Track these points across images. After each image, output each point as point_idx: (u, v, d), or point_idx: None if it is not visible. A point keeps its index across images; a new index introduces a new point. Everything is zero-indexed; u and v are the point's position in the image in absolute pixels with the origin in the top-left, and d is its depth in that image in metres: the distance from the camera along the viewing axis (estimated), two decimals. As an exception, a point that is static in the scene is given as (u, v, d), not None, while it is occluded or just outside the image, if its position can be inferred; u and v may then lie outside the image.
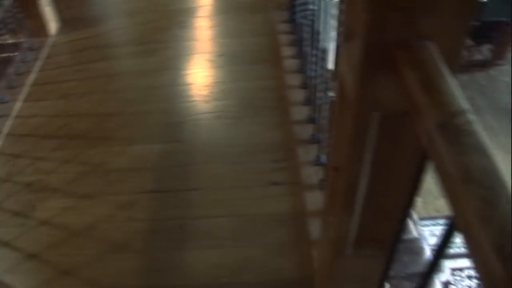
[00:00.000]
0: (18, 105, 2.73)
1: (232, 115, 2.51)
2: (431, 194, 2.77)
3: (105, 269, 1.92)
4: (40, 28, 3.19)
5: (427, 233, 3.33)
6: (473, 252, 0.61)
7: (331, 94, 1.85)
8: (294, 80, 2.63)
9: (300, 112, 2.44)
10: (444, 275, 2.66)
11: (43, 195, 2.25)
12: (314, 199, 2.06)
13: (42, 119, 2.64)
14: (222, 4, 3.59)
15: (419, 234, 2.06)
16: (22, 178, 2.34)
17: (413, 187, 0.99)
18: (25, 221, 2.15)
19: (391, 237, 1.22)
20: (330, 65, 1.98)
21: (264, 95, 2.61)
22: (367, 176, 1.12)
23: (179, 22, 3.39)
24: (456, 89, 0.75)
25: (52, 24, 3.28)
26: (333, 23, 1.97)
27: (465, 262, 2.61)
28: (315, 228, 1.94)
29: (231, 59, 2.94)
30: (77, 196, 2.21)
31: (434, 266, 0.94)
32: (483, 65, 4.28)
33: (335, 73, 1.93)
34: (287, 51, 2.86)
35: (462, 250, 2.23)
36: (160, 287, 1.85)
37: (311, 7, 2.17)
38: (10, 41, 2.95)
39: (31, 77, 2.91)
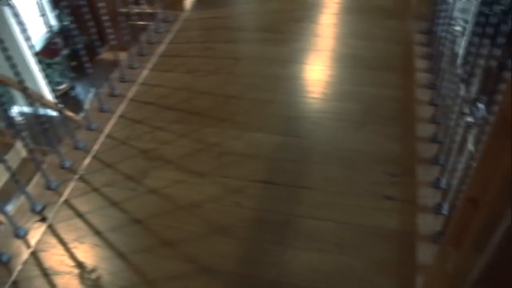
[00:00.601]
0: (145, 73, 2.81)
1: (353, 119, 2.45)
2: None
3: (205, 249, 1.93)
4: (176, 2, 3.27)
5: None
6: None
7: (469, 119, 1.74)
8: (423, 95, 2.52)
9: (425, 129, 2.34)
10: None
11: (157, 164, 2.29)
12: (427, 222, 1.96)
13: (166, 90, 2.70)
14: (356, 4, 3.50)
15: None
16: (139, 144, 2.40)
17: None
18: (136, 186, 2.20)
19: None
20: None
21: (388, 104, 2.53)
22: (513, 216, 1.03)
23: (308, 15, 3.35)
24: None
25: (188, 0, 3.34)
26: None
27: None
28: (423, 253, 1.85)
29: (357, 62, 2.87)
30: (188, 172, 2.23)
31: None
32: None
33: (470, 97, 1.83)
34: (420, 63, 2.75)
35: None
36: (255, 279, 1.83)
37: (460, 22, 2.07)
38: (148, 10, 3.03)
39: (161, 48, 2.99)
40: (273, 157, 2.28)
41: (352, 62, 2.88)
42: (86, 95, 8.38)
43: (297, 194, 2.10)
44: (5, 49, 1.95)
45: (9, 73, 3.61)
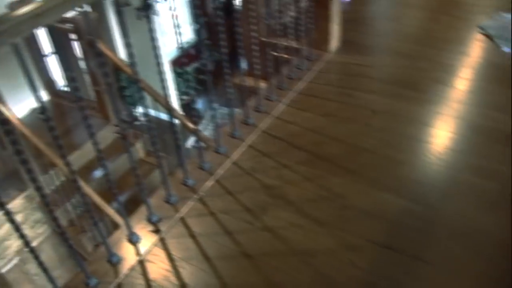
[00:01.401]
0: (281, 107, 2.81)
1: (485, 197, 2.28)
2: None
3: (310, 301, 1.88)
4: (322, 42, 3.26)
5: None
6: None
7: None
8: None
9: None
10: None
11: (277, 203, 2.27)
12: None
13: (298, 128, 2.68)
14: (499, 73, 3.31)
15: None
16: (263, 178, 2.39)
17: None
18: (253, 220, 2.19)
19: None
20: None
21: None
22: None
23: (447, 78, 3.22)
24: None
25: (334, 42, 3.33)
26: None
27: None
28: None
29: (496, 136, 2.67)
30: (308, 217, 2.18)
31: None
32: None
33: None
34: None
35: None
36: None
37: None
38: (293, 44, 3.04)
39: (300, 85, 2.98)
40: (396, 222, 2.17)
41: (490, 135, 2.71)
42: (207, 109, 8.65)
43: (415, 266, 1.99)
44: (159, 65, 2.02)
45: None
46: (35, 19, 1.50)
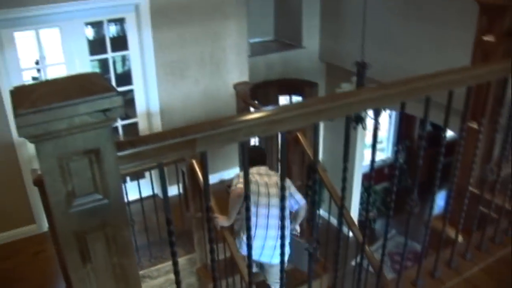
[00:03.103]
0: (474, 270, 2.48)
1: None
2: None
3: None
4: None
5: None
6: None
7: None
8: None
9: None
10: None
11: None
12: None
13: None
14: None
15: None
16: None
17: None
18: None
19: None
20: None
21: None
22: None
23: None
24: None
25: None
26: None
27: None
28: None
29: None
30: None
31: None
32: None
33: None
34: None
35: None
36: None
37: None
38: (505, 205, 2.73)
39: (502, 252, 2.63)
40: None
41: None
42: (385, 232, 8.35)
43: None
44: (370, 181, 1.93)
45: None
46: (270, 125, 1.49)
